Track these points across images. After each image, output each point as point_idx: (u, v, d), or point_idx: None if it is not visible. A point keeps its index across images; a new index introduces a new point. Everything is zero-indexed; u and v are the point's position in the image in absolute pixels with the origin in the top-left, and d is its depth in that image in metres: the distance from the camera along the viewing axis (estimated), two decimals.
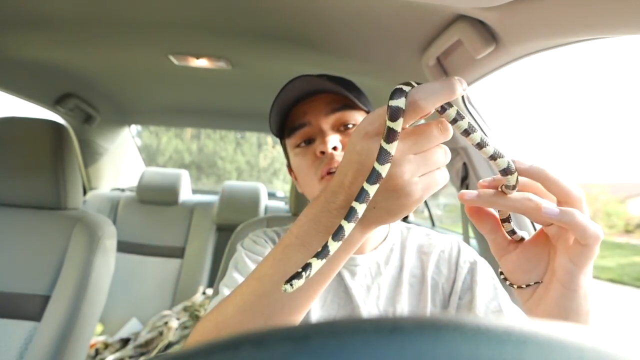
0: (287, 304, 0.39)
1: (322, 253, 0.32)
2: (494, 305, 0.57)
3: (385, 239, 0.66)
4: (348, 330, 0.13)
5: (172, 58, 1.13)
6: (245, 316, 0.40)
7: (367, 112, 0.65)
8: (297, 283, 0.31)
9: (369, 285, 0.63)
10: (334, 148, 0.58)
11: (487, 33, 0.66)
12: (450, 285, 0.62)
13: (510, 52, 0.68)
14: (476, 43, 0.67)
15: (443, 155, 0.34)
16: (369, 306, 0.61)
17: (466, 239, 1.15)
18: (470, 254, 0.65)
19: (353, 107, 0.62)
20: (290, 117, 0.64)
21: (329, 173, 0.58)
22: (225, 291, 0.58)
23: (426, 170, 0.34)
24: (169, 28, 0.95)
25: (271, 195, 2.41)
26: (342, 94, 0.61)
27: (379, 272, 0.63)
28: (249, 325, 0.39)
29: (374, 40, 0.89)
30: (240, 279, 0.59)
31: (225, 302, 0.42)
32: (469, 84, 0.86)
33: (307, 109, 0.62)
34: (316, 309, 0.62)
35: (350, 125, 0.62)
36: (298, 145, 0.63)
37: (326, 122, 0.61)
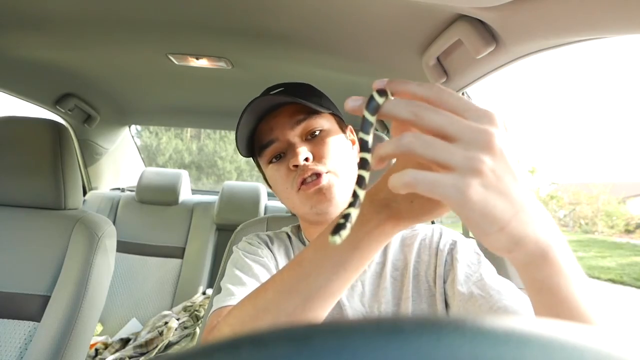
0: (323, 287, 0.41)
1: (355, 202, 0.34)
2: (475, 277, 0.56)
3: None
4: (348, 331, 0.13)
5: (172, 58, 1.13)
6: (284, 298, 0.42)
7: (332, 115, 0.66)
8: (344, 233, 0.32)
9: (353, 284, 0.63)
10: (306, 159, 0.59)
11: (487, 33, 0.66)
12: (433, 271, 0.61)
13: (510, 52, 0.68)
14: (476, 43, 0.67)
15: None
16: (354, 303, 0.61)
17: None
18: (451, 235, 0.64)
19: (317, 113, 0.63)
20: (257, 136, 0.65)
21: (304, 183, 0.59)
22: (230, 287, 0.58)
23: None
24: (169, 28, 0.95)
25: (271, 195, 2.41)
26: (303, 104, 0.61)
27: (363, 270, 0.64)
28: (288, 307, 0.42)
29: (374, 40, 0.89)
30: (242, 276, 0.60)
31: (264, 287, 0.45)
32: (469, 84, 0.86)
33: (272, 124, 0.63)
34: None
35: (317, 132, 0.62)
36: (270, 162, 0.64)
37: (293, 135, 0.62)
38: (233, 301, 0.55)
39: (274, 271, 0.64)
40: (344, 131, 0.68)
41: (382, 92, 0.33)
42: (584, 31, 0.54)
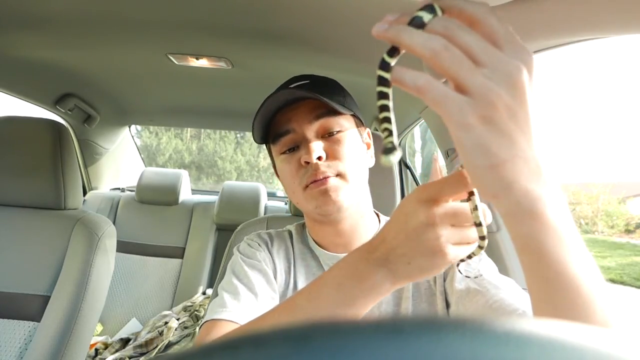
0: None
1: (387, 106, 0.33)
2: (473, 273, 0.55)
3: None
4: (348, 331, 0.13)
5: (172, 58, 1.13)
6: None
7: (353, 116, 0.65)
8: (398, 153, 0.31)
9: None
10: (319, 158, 0.58)
11: None
12: None
13: None
14: None
15: (475, 233, 0.39)
16: None
17: None
18: None
19: (337, 113, 0.61)
20: (274, 124, 0.64)
21: (314, 182, 0.58)
22: (225, 296, 0.58)
23: (459, 241, 0.38)
24: (169, 28, 0.95)
25: (271, 195, 2.41)
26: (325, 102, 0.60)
27: None
28: None
29: (374, 41, 0.88)
30: (238, 285, 0.59)
31: (256, 322, 0.46)
32: None
33: (291, 115, 0.62)
34: None
35: (334, 132, 0.61)
36: (283, 152, 0.63)
37: (310, 130, 0.61)
38: (225, 315, 0.55)
39: (271, 276, 0.63)
40: (361, 133, 0.67)
41: (429, 9, 0.30)
42: (584, 31, 0.54)
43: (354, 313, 0.41)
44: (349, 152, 0.61)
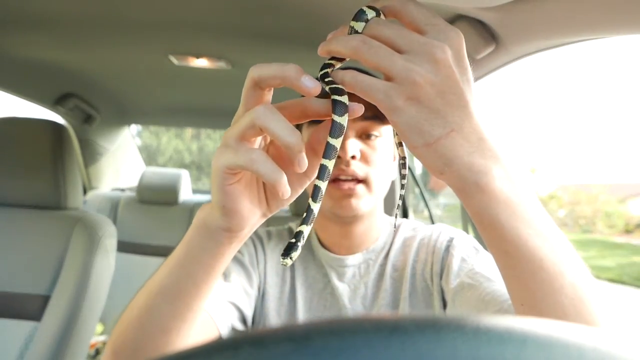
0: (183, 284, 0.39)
1: (307, 218, 0.33)
2: (467, 269, 0.55)
3: (377, 238, 0.66)
4: (348, 331, 0.13)
5: (172, 58, 1.13)
6: (151, 298, 0.41)
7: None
8: (295, 254, 0.32)
9: (356, 285, 0.63)
10: (352, 157, 0.57)
11: (487, 33, 0.66)
12: (430, 269, 0.60)
13: (510, 52, 0.68)
14: (476, 43, 0.67)
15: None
16: (355, 306, 0.61)
17: None
18: (449, 232, 0.63)
19: (382, 119, 0.59)
20: None
21: (337, 180, 0.57)
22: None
23: None
24: (169, 28, 0.95)
25: None
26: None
27: (368, 271, 0.63)
28: (158, 307, 0.40)
29: None
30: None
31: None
32: None
33: None
34: (303, 311, 0.63)
35: (373, 136, 0.60)
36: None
37: (352, 127, 0.59)
38: None
39: (250, 271, 0.63)
40: (395, 143, 0.66)
41: (370, 10, 0.32)
42: (584, 31, 0.54)
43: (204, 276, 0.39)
44: (381, 161, 0.60)
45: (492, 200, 0.30)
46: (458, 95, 0.29)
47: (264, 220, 0.38)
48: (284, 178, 0.30)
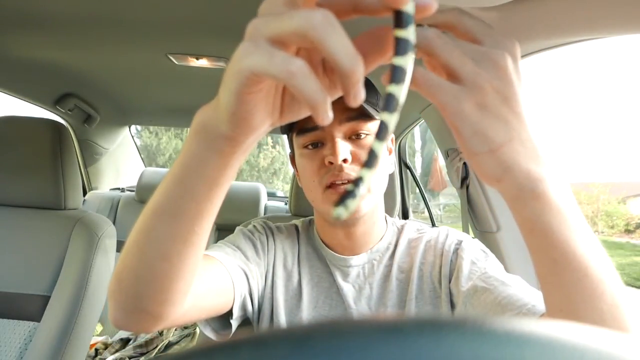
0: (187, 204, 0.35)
1: (371, 161, 0.27)
2: (479, 272, 0.54)
3: (381, 238, 0.66)
4: (349, 331, 0.13)
5: (172, 58, 1.13)
6: (154, 219, 0.37)
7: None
8: (352, 205, 0.26)
9: (361, 285, 0.63)
10: (344, 160, 0.56)
11: None
12: (438, 271, 0.60)
13: None
14: None
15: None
16: (361, 307, 0.61)
17: None
18: (457, 235, 0.63)
19: (369, 116, 0.59)
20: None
21: (333, 185, 0.57)
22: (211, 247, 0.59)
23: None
24: (169, 28, 0.95)
25: (271, 195, 2.41)
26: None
27: (372, 271, 0.63)
28: (158, 228, 0.36)
29: None
30: (227, 247, 0.60)
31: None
32: None
33: None
34: (308, 310, 0.62)
35: (362, 135, 0.59)
36: (306, 147, 0.61)
37: (339, 130, 0.58)
38: (209, 251, 0.56)
39: (261, 253, 0.64)
40: None
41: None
42: (584, 31, 0.54)
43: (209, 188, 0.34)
44: None
45: (545, 208, 0.30)
46: (517, 103, 0.30)
47: (270, 130, 0.33)
48: (329, 101, 0.25)
